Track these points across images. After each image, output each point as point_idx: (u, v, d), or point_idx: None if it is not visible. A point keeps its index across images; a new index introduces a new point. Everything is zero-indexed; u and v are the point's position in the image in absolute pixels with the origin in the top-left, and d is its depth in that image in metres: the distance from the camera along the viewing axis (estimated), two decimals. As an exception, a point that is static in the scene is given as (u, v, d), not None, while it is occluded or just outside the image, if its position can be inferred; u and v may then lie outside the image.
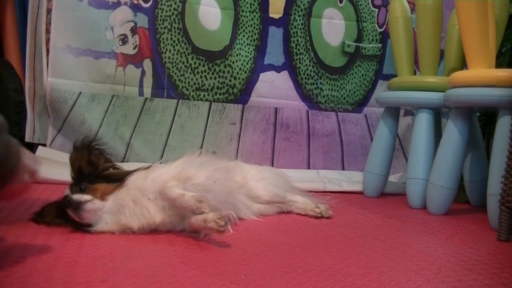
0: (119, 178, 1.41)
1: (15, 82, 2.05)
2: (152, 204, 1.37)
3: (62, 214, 1.37)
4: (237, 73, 2.57)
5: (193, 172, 1.45)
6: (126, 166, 1.57)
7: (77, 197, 1.33)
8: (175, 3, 2.48)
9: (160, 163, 2.07)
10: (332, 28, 2.70)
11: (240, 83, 2.59)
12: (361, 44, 2.74)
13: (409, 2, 2.40)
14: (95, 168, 1.42)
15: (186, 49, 2.52)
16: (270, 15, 2.62)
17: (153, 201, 1.37)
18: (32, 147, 2.34)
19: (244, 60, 2.58)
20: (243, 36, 2.58)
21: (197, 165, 1.53)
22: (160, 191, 1.36)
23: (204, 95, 2.56)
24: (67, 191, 1.38)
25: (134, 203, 1.37)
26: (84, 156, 1.42)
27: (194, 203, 1.29)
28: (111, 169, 1.46)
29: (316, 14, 2.67)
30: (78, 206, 1.32)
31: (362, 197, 2.32)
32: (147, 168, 1.48)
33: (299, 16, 2.65)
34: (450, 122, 1.91)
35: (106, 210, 1.36)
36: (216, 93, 2.57)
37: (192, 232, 1.37)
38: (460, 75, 1.86)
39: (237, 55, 2.56)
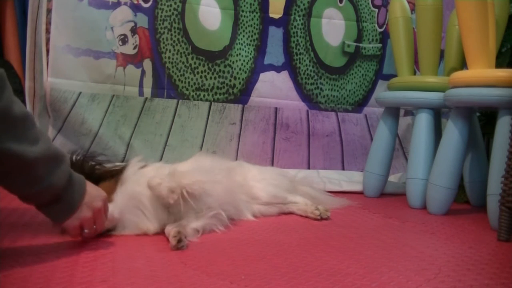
0: (114, 173, 1.38)
1: (15, 82, 2.06)
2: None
3: None
4: (237, 73, 2.57)
5: (195, 175, 1.41)
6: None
7: None
8: (175, 3, 2.47)
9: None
10: (332, 28, 2.69)
11: (240, 83, 2.59)
12: (361, 44, 2.74)
13: (409, 2, 2.40)
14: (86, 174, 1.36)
15: (186, 49, 2.51)
16: (270, 15, 2.62)
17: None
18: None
19: (244, 60, 2.58)
20: (243, 36, 2.58)
21: (206, 171, 1.51)
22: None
23: (204, 95, 2.56)
24: None
25: (149, 202, 1.36)
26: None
27: (166, 192, 1.28)
28: (98, 167, 1.40)
29: (316, 14, 2.67)
30: None
31: (362, 197, 2.32)
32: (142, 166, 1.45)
33: (299, 16, 2.65)
34: (450, 122, 1.91)
35: (121, 210, 1.33)
36: (216, 93, 2.57)
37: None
38: (460, 75, 1.86)
39: (237, 55, 2.56)
